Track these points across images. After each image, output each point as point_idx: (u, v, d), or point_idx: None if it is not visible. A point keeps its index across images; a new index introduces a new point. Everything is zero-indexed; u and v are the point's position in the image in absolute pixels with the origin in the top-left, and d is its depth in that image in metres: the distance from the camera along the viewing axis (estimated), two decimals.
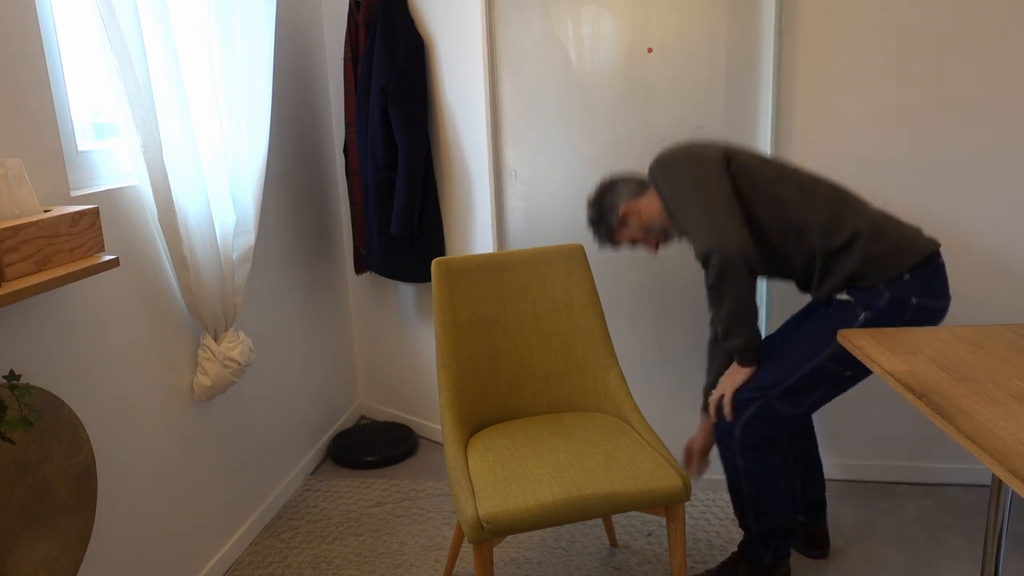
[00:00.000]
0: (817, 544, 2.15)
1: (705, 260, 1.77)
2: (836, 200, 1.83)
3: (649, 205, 1.99)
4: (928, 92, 2.26)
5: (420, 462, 2.82)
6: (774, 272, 1.93)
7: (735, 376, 1.87)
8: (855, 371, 1.80)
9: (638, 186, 2.03)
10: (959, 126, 2.26)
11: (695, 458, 2.10)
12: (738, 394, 1.86)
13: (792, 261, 1.86)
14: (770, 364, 1.85)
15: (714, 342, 2.08)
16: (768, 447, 1.88)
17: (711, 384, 2.01)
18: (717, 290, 1.78)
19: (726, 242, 1.74)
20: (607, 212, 2.04)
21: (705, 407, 2.03)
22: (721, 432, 1.92)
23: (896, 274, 1.75)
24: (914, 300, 1.74)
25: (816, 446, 2.13)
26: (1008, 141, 2.25)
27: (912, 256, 1.77)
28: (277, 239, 2.53)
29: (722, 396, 1.89)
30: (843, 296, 1.82)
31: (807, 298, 2.24)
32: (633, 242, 2.07)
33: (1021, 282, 2.34)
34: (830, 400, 1.87)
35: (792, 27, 2.27)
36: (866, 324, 1.76)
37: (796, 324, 2.02)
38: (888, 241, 1.78)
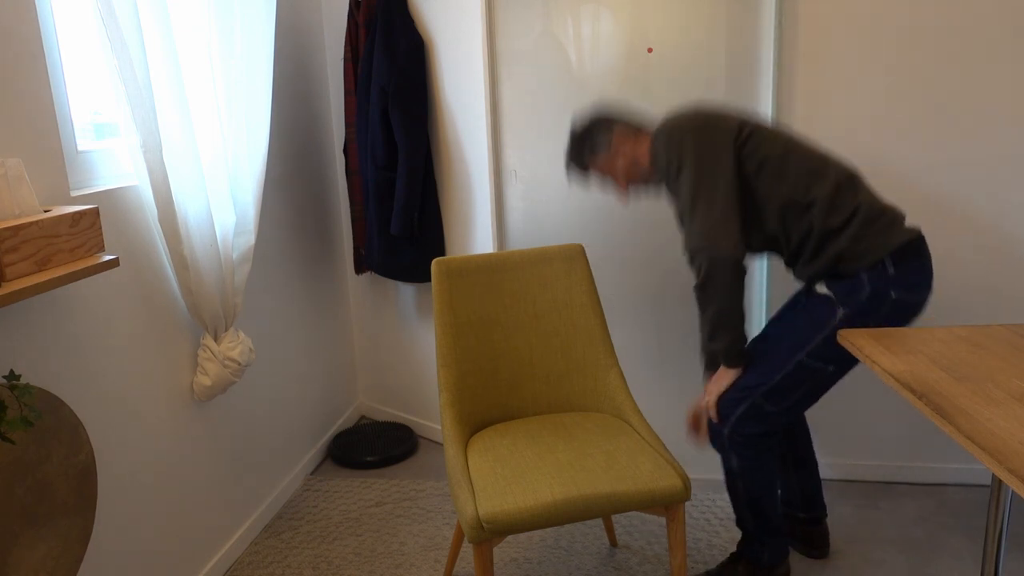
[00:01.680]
0: (817, 544, 2.15)
1: (691, 257, 1.76)
2: (840, 179, 1.78)
3: (640, 149, 1.91)
4: (928, 91, 2.26)
5: (420, 462, 2.82)
6: (765, 246, 1.89)
7: (721, 380, 1.87)
8: (837, 365, 1.79)
9: (635, 130, 1.94)
10: (958, 125, 2.26)
11: (703, 421, 2.00)
12: (724, 396, 1.87)
13: (788, 236, 1.83)
14: (754, 366, 1.85)
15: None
16: (759, 445, 1.88)
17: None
18: (704, 293, 1.76)
19: (717, 244, 1.71)
20: (596, 136, 1.95)
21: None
22: (713, 433, 1.93)
23: (879, 259, 1.73)
24: (893, 295, 1.72)
25: (809, 440, 2.12)
26: (1009, 140, 2.25)
27: (894, 239, 1.74)
28: (277, 239, 2.53)
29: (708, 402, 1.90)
30: (823, 290, 1.81)
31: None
32: (604, 174, 1.97)
33: (1021, 282, 2.34)
34: (817, 398, 1.85)
35: (792, 27, 2.27)
36: (844, 320, 1.75)
37: (778, 323, 2.02)
38: (879, 228, 1.75)
